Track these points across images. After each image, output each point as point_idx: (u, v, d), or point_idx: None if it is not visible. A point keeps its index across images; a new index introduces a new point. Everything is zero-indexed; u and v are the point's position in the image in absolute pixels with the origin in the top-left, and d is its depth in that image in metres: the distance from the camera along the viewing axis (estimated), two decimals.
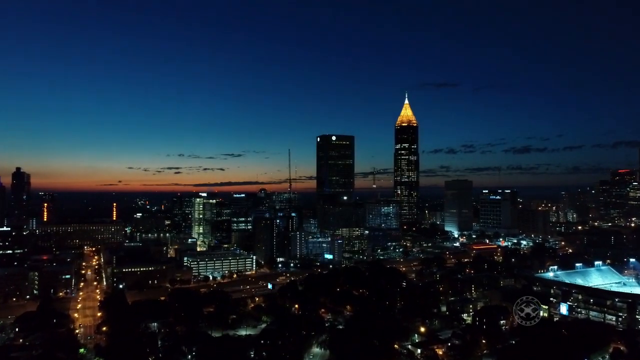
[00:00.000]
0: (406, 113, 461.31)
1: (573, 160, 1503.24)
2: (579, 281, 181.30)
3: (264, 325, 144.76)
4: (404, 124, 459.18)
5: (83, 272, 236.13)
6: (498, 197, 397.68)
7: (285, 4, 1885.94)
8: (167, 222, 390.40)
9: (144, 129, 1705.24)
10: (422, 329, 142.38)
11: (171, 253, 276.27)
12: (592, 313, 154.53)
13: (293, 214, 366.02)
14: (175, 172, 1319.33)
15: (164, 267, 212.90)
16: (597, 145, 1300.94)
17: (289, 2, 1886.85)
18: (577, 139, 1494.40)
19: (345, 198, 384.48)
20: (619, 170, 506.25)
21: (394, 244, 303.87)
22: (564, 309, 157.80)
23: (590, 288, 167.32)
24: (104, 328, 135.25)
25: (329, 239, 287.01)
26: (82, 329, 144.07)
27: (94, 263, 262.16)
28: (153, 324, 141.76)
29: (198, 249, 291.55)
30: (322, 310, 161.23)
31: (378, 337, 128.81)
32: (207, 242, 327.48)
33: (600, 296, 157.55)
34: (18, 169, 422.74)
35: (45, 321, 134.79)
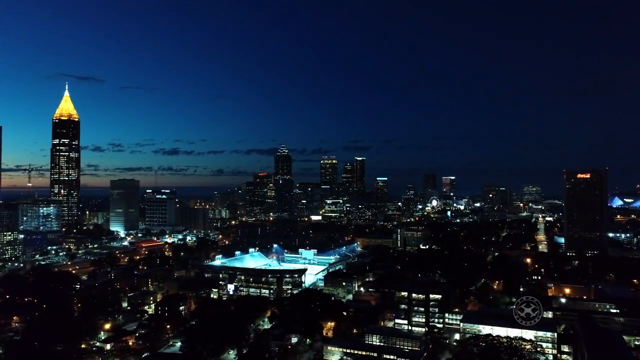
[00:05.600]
0: (66, 106, 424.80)
1: (217, 163, 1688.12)
2: (239, 265, 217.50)
3: None
4: (63, 118, 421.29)
5: None
6: (164, 197, 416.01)
7: None
8: None
9: None
10: (107, 326, 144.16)
11: None
12: (251, 290, 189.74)
13: None
14: None
15: None
16: (235, 151, 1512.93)
17: None
18: (219, 144, 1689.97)
19: None
20: (260, 174, 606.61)
21: (55, 247, 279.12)
22: (231, 289, 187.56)
23: (249, 269, 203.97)
24: None
25: None
26: None
27: None
28: None
29: None
30: None
31: (61, 342, 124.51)
32: None
33: (257, 275, 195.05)
34: None
35: None
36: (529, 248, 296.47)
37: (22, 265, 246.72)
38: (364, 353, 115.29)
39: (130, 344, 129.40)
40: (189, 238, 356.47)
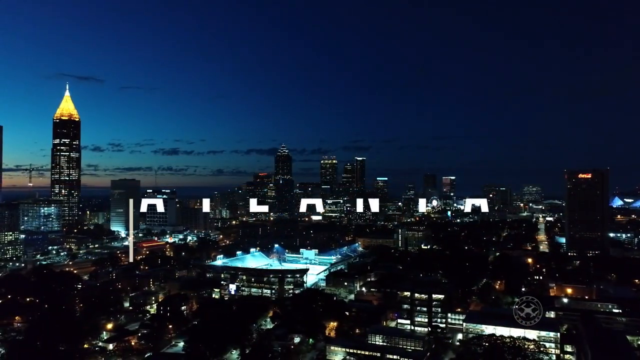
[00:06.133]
0: (67, 106, 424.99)
1: (216, 163, 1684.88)
2: (240, 265, 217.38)
3: None
4: (64, 118, 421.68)
5: None
6: (165, 197, 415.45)
7: None
8: None
9: None
10: (110, 326, 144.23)
11: None
12: (253, 290, 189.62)
13: None
14: None
15: None
16: (235, 151, 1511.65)
17: None
18: (218, 144, 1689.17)
19: None
20: (260, 174, 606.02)
21: (56, 247, 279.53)
22: (232, 289, 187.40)
23: (250, 269, 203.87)
24: None
25: None
26: None
27: None
28: None
29: None
30: None
31: (64, 342, 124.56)
32: None
33: (258, 275, 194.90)
34: None
35: None
36: (530, 248, 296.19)
37: (23, 265, 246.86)
38: (367, 353, 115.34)
39: (133, 344, 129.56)
40: (189, 238, 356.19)
